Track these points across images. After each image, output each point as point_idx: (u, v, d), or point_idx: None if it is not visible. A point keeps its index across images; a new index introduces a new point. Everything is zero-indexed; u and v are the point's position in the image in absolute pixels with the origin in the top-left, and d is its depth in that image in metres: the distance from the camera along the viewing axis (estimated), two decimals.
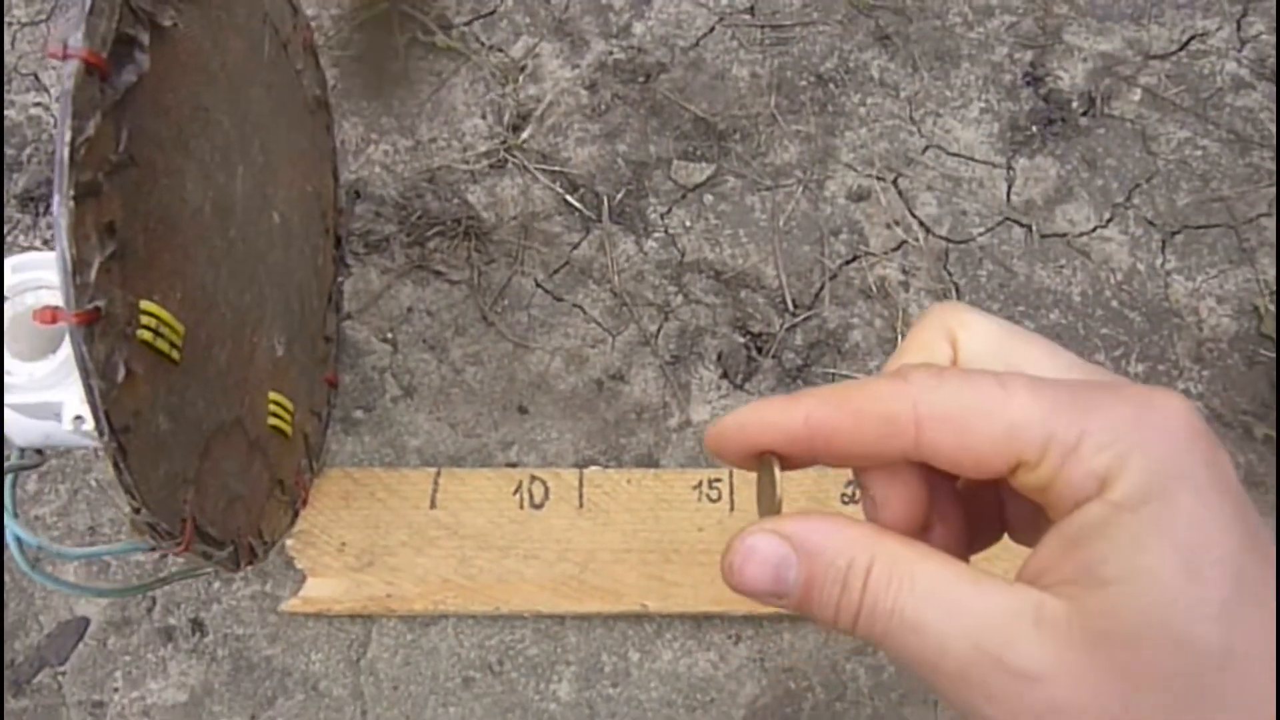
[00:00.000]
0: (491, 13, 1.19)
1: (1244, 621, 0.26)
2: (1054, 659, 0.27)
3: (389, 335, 1.06)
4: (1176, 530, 0.26)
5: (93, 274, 0.55)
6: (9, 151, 1.13)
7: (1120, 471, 0.27)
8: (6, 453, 0.71)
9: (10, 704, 0.95)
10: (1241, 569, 0.26)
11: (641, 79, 1.16)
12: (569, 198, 1.11)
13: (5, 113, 1.15)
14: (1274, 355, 1.06)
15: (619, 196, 1.11)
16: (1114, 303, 1.09)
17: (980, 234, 1.11)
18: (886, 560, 0.30)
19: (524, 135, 1.13)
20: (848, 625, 0.30)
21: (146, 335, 0.60)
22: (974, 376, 0.30)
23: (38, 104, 1.16)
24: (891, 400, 0.30)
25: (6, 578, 0.98)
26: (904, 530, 0.32)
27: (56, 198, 0.53)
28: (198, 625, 0.97)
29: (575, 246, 1.09)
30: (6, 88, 1.17)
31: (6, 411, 0.68)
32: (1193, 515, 0.27)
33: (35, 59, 1.18)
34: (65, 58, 0.54)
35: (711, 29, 1.19)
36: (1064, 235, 1.11)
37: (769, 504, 0.34)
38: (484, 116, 1.14)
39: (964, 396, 0.29)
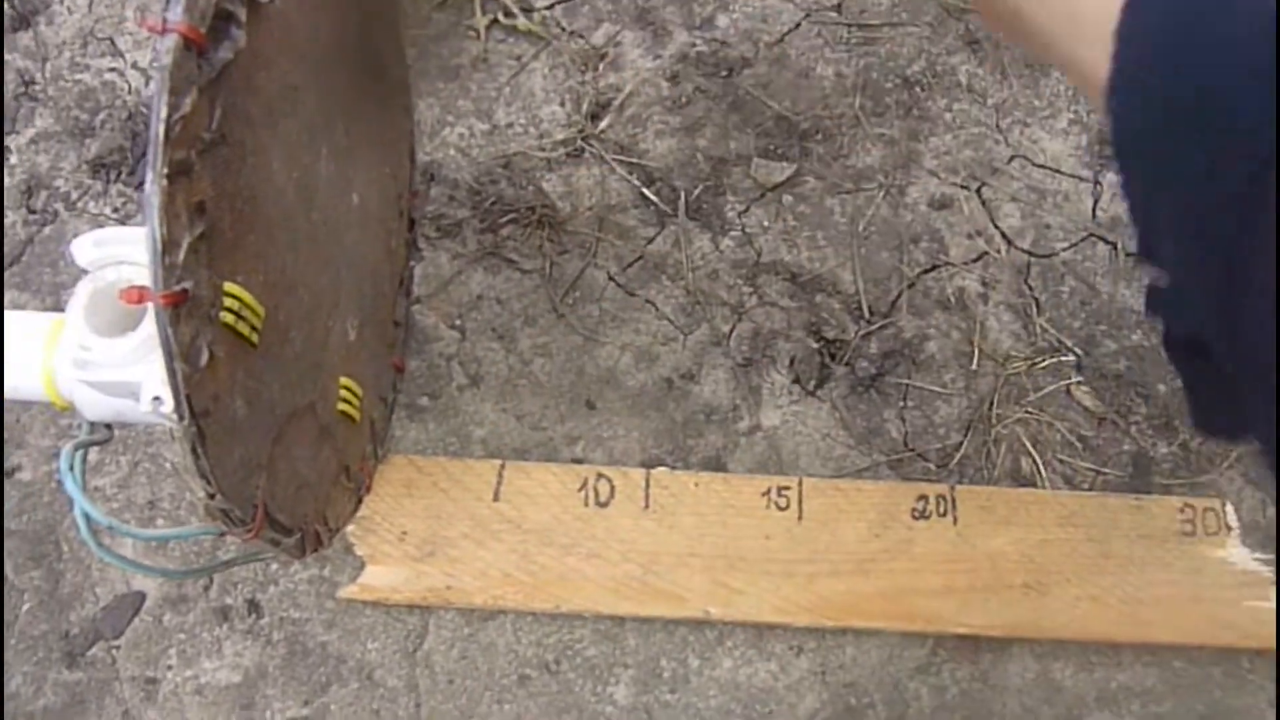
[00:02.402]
0: None
1: None
2: None
3: (457, 322, 1.05)
4: None
5: (181, 254, 0.54)
6: (82, 116, 1.13)
7: None
8: (76, 427, 0.70)
9: (65, 675, 0.94)
10: None
11: (724, 73, 1.14)
12: (646, 191, 1.09)
13: (81, 78, 1.15)
14: None
15: (696, 192, 1.09)
16: None
17: (1064, 249, 1.09)
18: None
19: (602, 125, 1.12)
20: None
21: (229, 318, 0.59)
22: None
23: (113, 69, 1.15)
24: None
25: (64, 548, 0.98)
26: None
27: (149, 175, 0.51)
28: (254, 606, 0.96)
29: (650, 241, 1.08)
30: (82, 51, 1.16)
31: (80, 386, 0.67)
32: None
33: (112, 23, 1.17)
34: (165, 32, 0.53)
35: (797, 25, 1.17)
36: None
37: None
38: (562, 103, 1.13)
39: None
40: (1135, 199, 0.45)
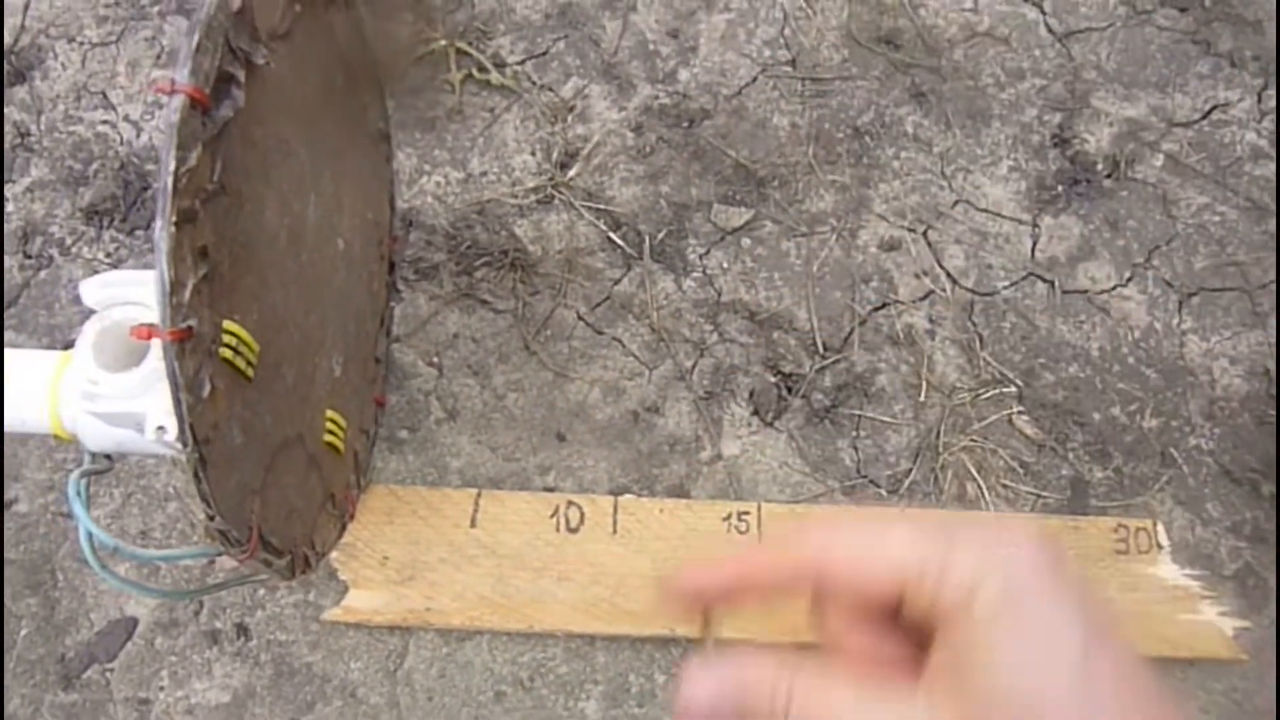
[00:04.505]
0: (544, 54, 1.24)
1: (1091, 695, 0.31)
2: None
3: (435, 360, 1.10)
4: (1028, 634, 0.32)
5: (187, 295, 0.59)
6: (76, 166, 1.18)
7: (979, 589, 0.33)
8: (74, 462, 0.74)
9: (60, 697, 0.99)
10: (1086, 654, 0.32)
11: (685, 124, 1.20)
12: (612, 235, 1.15)
13: (75, 129, 1.20)
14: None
15: (660, 236, 1.15)
16: (1131, 359, 1.12)
17: (1005, 287, 1.15)
18: (803, 685, 0.35)
19: (571, 173, 1.18)
20: None
21: (228, 353, 0.65)
22: (861, 519, 0.36)
23: (105, 121, 1.21)
24: (796, 552, 0.37)
25: (60, 576, 1.02)
26: (855, 652, 0.38)
27: (159, 222, 0.57)
28: (242, 630, 1.01)
29: (616, 282, 1.14)
30: (76, 105, 1.21)
31: (84, 417, 0.72)
32: (1040, 620, 0.32)
33: (105, 78, 1.23)
34: (172, 93, 0.58)
35: (754, 79, 1.23)
36: (1085, 292, 1.15)
37: (709, 643, 0.41)
38: (533, 153, 1.19)
39: (854, 538, 0.36)
40: None
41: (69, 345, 0.72)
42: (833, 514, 0.36)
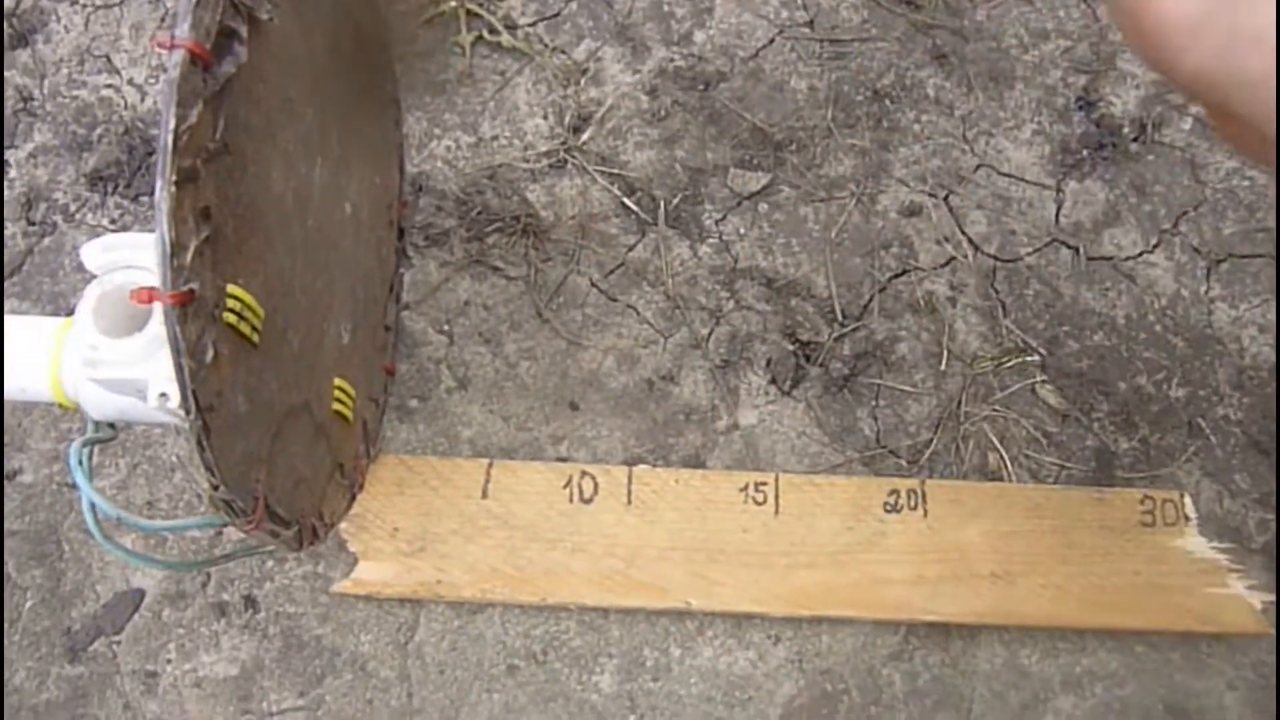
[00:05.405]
0: (556, 15, 1.21)
1: None
2: None
3: (445, 327, 1.08)
4: None
5: (188, 257, 0.57)
6: (80, 131, 1.16)
7: None
8: (78, 431, 0.73)
9: (66, 670, 0.97)
10: None
11: (701, 87, 1.18)
12: (626, 200, 1.13)
13: (79, 94, 1.18)
14: None
15: (675, 201, 1.13)
16: (1157, 327, 1.10)
17: (1028, 254, 1.13)
18: None
19: (584, 137, 1.15)
20: None
21: (231, 318, 0.63)
22: None
23: (109, 85, 1.19)
24: None
25: (65, 547, 1.01)
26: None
27: (159, 182, 0.55)
28: (251, 602, 0.99)
29: (631, 248, 1.12)
30: (80, 68, 1.19)
31: (87, 385, 0.70)
32: None
33: (108, 41, 1.20)
34: (172, 48, 0.56)
35: (771, 40, 1.20)
36: (1110, 259, 1.13)
37: None
38: (545, 117, 1.17)
39: None
40: None
41: (72, 312, 0.71)
42: None
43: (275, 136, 0.69)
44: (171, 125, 0.55)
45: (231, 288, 0.63)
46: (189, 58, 0.56)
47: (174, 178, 0.55)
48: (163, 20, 1.21)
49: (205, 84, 0.58)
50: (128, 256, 0.71)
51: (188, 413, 0.59)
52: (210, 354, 0.60)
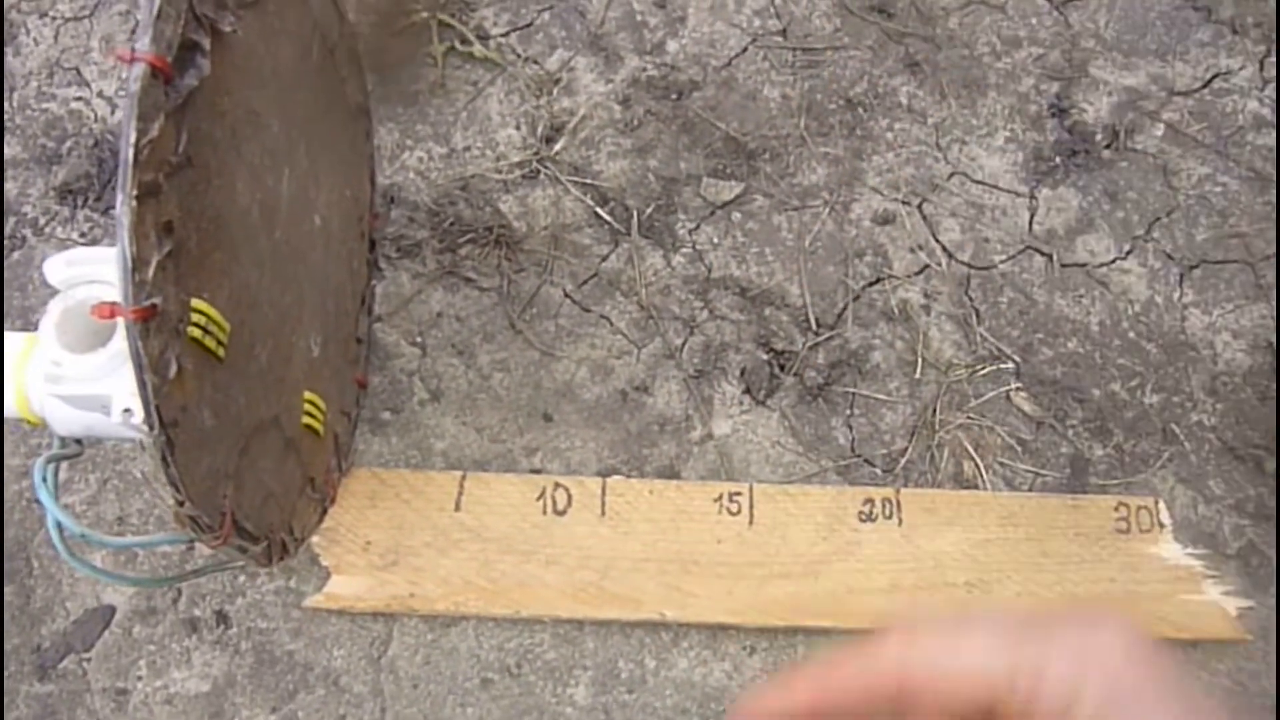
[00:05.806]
0: (528, 25, 1.21)
1: None
2: None
3: (418, 339, 1.07)
4: None
5: (150, 272, 0.57)
6: (49, 144, 1.15)
7: (1078, 697, 0.31)
8: (48, 441, 0.72)
9: (36, 688, 0.96)
10: None
11: (674, 96, 1.18)
12: (599, 210, 1.12)
13: (48, 106, 1.17)
14: None
15: (648, 211, 1.13)
16: (1131, 333, 1.10)
17: (1002, 261, 1.13)
18: None
19: (557, 147, 1.15)
20: None
21: (196, 332, 0.62)
22: (939, 624, 0.34)
23: (79, 98, 1.18)
24: (873, 667, 0.35)
25: (35, 564, 1.00)
26: None
27: (120, 196, 0.54)
28: (222, 618, 0.98)
29: (604, 259, 1.11)
30: (49, 81, 1.18)
31: (52, 401, 0.70)
32: None
33: (78, 54, 1.20)
34: (133, 61, 0.56)
35: (744, 49, 1.20)
36: (1084, 265, 1.13)
37: None
38: (518, 127, 1.16)
39: (934, 647, 0.34)
40: None
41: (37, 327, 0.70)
42: (907, 619, 0.33)
43: (240, 149, 0.68)
44: (132, 139, 0.55)
45: (196, 302, 0.62)
46: (150, 71, 0.56)
47: (135, 192, 0.55)
48: (133, 33, 1.20)
49: (167, 97, 0.58)
50: (91, 271, 0.70)
51: (151, 428, 0.59)
52: (174, 369, 0.60)
